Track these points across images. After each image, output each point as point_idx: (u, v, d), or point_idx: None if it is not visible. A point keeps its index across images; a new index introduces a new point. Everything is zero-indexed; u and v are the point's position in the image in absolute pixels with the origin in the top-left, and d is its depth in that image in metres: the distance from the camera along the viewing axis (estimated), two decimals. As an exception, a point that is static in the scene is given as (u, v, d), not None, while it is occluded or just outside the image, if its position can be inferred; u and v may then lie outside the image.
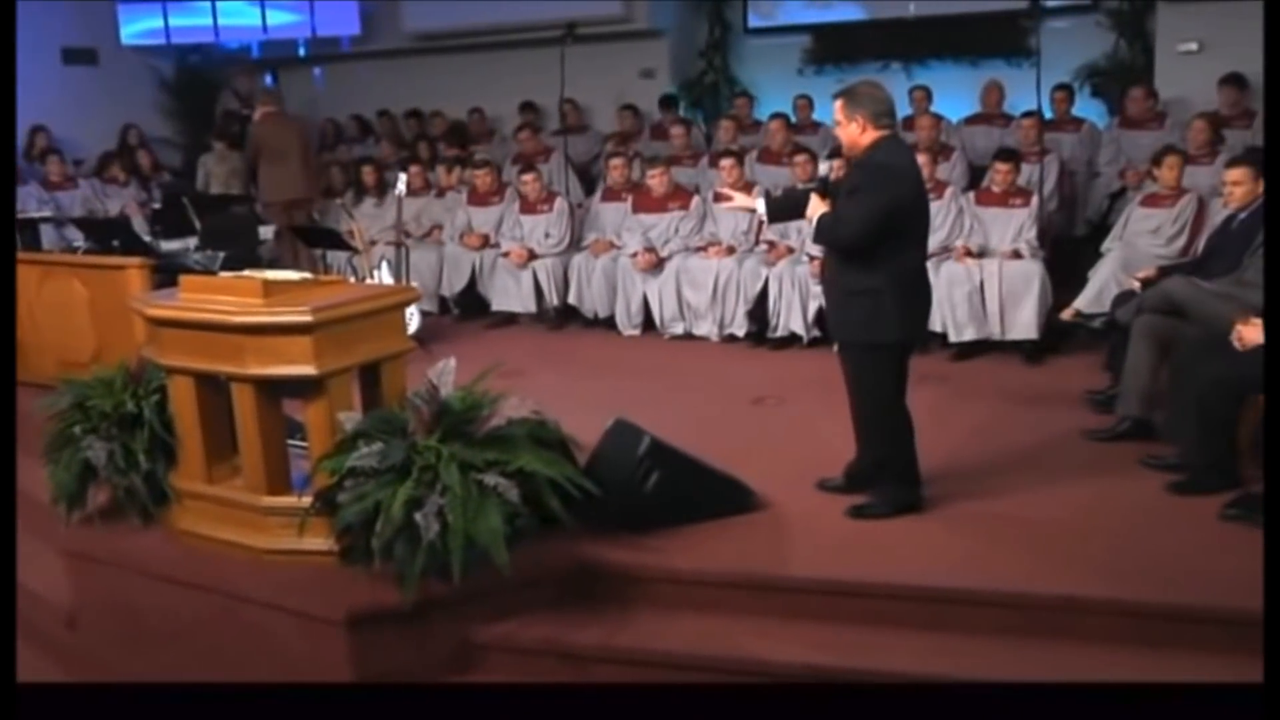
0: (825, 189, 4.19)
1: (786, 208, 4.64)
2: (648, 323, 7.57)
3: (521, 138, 9.52)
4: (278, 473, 3.93)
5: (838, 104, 4.07)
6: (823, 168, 4.28)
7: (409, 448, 3.56)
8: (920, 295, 4.19)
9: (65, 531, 4.27)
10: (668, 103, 9.92)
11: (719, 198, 4.53)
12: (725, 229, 7.47)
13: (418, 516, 3.45)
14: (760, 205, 4.61)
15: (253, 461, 3.91)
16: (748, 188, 7.46)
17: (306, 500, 3.74)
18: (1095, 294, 6.12)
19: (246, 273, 4.03)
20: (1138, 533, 4.03)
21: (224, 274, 4.07)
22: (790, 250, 7.08)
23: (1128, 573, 3.71)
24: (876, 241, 3.95)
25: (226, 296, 3.89)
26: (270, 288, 3.83)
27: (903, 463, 4.25)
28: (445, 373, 3.82)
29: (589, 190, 8.96)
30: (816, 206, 4.13)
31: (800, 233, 6.96)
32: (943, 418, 5.40)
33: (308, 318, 3.68)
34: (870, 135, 4.01)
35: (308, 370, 3.74)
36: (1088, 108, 8.68)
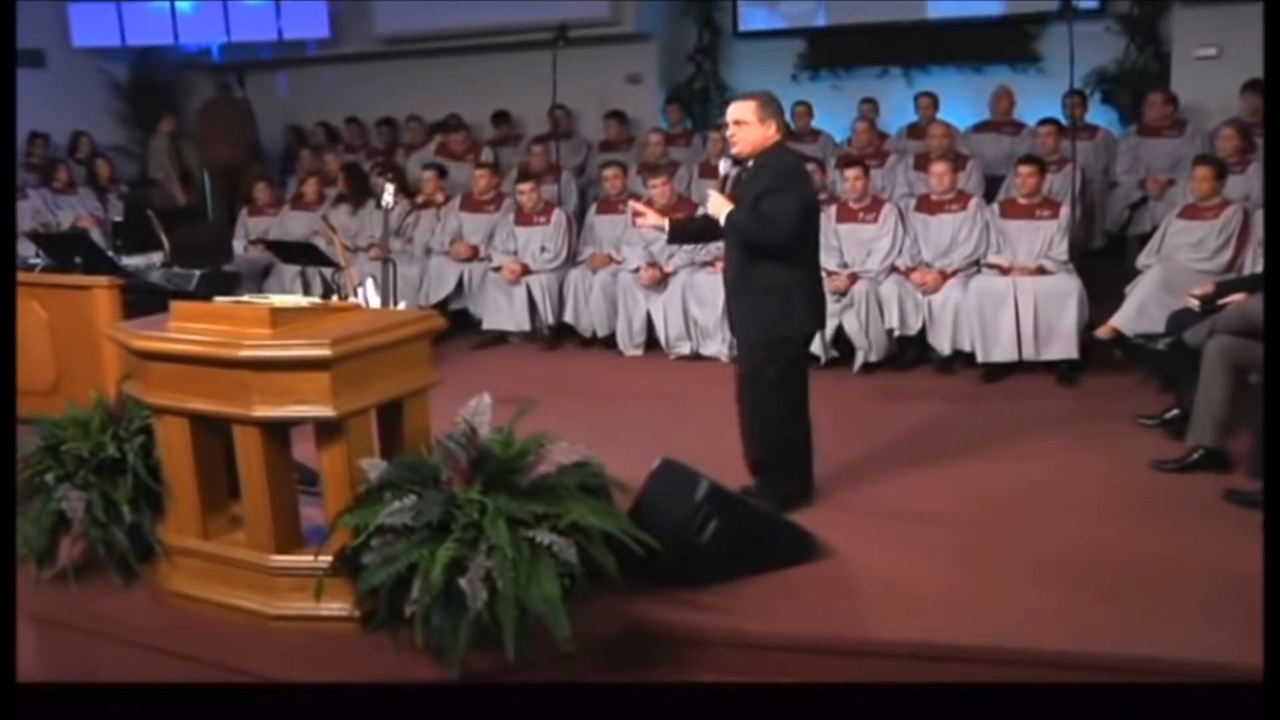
0: (724, 190, 4.23)
1: (690, 231, 4.80)
2: (650, 342, 7.13)
3: (534, 151, 8.84)
4: (288, 526, 3.44)
5: (749, 105, 4.13)
6: (723, 166, 4.32)
7: (447, 501, 3.09)
8: (820, 291, 4.36)
9: (32, 592, 3.73)
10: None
11: (635, 214, 4.73)
12: (733, 242, 7.04)
13: (462, 582, 2.97)
14: (665, 222, 4.66)
15: (259, 514, 3.40)
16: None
17: (325, 559, 3.25)
18: (1135, 311, 5.75)
19: (247, 297, 3.54)
20: (1242, 585, 3.63)
21: (220, 299, 3.55)
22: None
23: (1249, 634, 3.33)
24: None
25: (226, 326, 3.40)
26: (278, 316, 3.34)
27: (803, 458, 4.39)
28: (481, 412, 3.35)
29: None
30: (721, 204, 4.16)
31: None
32: (991, 446, 5.05)
33: (326, 351, 3.18)
34: (774, 138, 4.14)
35: (325, 411, 3.23)
36: (1097, 114, 8.37)
